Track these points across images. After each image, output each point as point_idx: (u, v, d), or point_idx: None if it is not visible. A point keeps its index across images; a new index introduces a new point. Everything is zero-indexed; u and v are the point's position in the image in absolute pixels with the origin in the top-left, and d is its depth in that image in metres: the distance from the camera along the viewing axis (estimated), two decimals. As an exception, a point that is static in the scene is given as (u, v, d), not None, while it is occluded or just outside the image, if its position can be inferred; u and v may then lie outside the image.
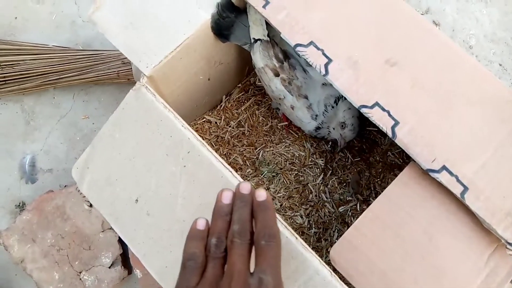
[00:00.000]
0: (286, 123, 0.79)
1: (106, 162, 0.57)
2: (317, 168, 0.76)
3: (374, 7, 0.56)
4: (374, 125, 0.76)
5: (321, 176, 0.75)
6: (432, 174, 0.50)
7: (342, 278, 0.49)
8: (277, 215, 0.50)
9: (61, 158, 0.85)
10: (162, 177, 0.54)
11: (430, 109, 0.52)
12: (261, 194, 0.41)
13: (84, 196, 0.58)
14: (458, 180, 0.49)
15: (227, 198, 0.41)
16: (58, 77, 0.86)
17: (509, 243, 0.47)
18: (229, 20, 0.61)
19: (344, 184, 0.75)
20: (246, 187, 0.41)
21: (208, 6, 0.58)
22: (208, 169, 0.52)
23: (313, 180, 0.75)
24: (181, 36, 0.57)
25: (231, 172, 0.52)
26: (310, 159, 0.76)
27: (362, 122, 0.70)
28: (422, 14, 0.92)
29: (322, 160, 0.76)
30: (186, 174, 0.53)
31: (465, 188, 0.49)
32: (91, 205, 0.62)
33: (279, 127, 0.79)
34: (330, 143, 0.77)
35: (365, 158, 0.76)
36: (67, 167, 0.84)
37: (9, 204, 0.82)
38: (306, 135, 0.77)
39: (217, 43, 0.64)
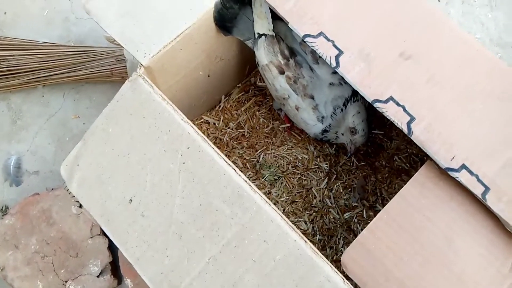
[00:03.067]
0: (288, 125, 0.75)
1: (98, 158, 0.52)
2: (321, 172, 0.72)
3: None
4: (380, 128, 0.74)
5: (325, 180, 0.71)
6: (451, 173, 0.46)
7: (355, 286, 0.45)
8: (284, 218, 0.46)
9: (49, 160, 0.80)
10: (158, 174, 0.50)
11: (447, 104, 0.49)
12: None
13: (73, 196, 0.54)
14: (478, 180, 0.46)
15: None
16: (47, 74, 0.81)
17: (536, 248, 0.44)
18: (232, 11, 0.58)
19: (349, 189, 0.71)
20: None
21: (212, -6, 0.55)
22: (209, 166, 0.48)
23: (317, 184, 0.71)
24: (182, 25, 0.53)
25: (234, 169, 0.48)
26: (313, 163, 0.72)
27: (370, 125, 0.67)
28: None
29: (326, 164, 0.72)
30: (185, 172, 0.49)
31: (487, 189, 0.45)
32: (80, 206, 0.57)
33: (281, 129, 0.75)
34: (334, 146, 0.73)
35: (370, 162, 0.73)
36: (54, 169, 0.79)
37: (-9, 208, 0.77)
38: (310, 138, 0.74)
39: (219, 37, 0.61)
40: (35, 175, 0.79)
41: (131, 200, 0.50)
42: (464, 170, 0.46)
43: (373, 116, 0.70)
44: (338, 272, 0.44)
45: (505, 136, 0.48)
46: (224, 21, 0.58)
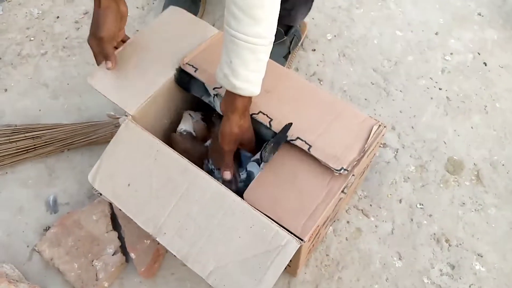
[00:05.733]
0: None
1: (109, 167, 0.95)
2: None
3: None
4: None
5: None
6: (292, 141, 0.90)
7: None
8: (210, 176, 0.88)
9: (75, 194, 1.21)
10: (143, 168, 0.92)
11: (289, 111, 0.94)
12: None
13: (97, 190, 0.94)
14: (306, 143, 0.89)
15: None
16: (70, 141, 1.26)
17: (335, 169, 0.86)
18: (185, 78, 1.03)
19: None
20: None
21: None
22: (170, 158, 0.91)
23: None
24: (151, 90, 0.99)
25: (184, 159, 0.90)
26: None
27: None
28: (311, 76, 1.40)
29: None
30: (157, 164, 0.91)
31: (310, 146, 0.89)
32: (101, 194, 0.95)
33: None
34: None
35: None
36: (79, 199, 1.20)
37: (38, 229, 1.16)
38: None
39: (178, 93, 1.05)
40: (67, 205, 1.20)
41: (129, 184, 0.92)
42: (298, 139, 0.90)
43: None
44: (239, 197, 0.85)
45: (319, 122, 0.92)
46: (183, 83, 1.04)
